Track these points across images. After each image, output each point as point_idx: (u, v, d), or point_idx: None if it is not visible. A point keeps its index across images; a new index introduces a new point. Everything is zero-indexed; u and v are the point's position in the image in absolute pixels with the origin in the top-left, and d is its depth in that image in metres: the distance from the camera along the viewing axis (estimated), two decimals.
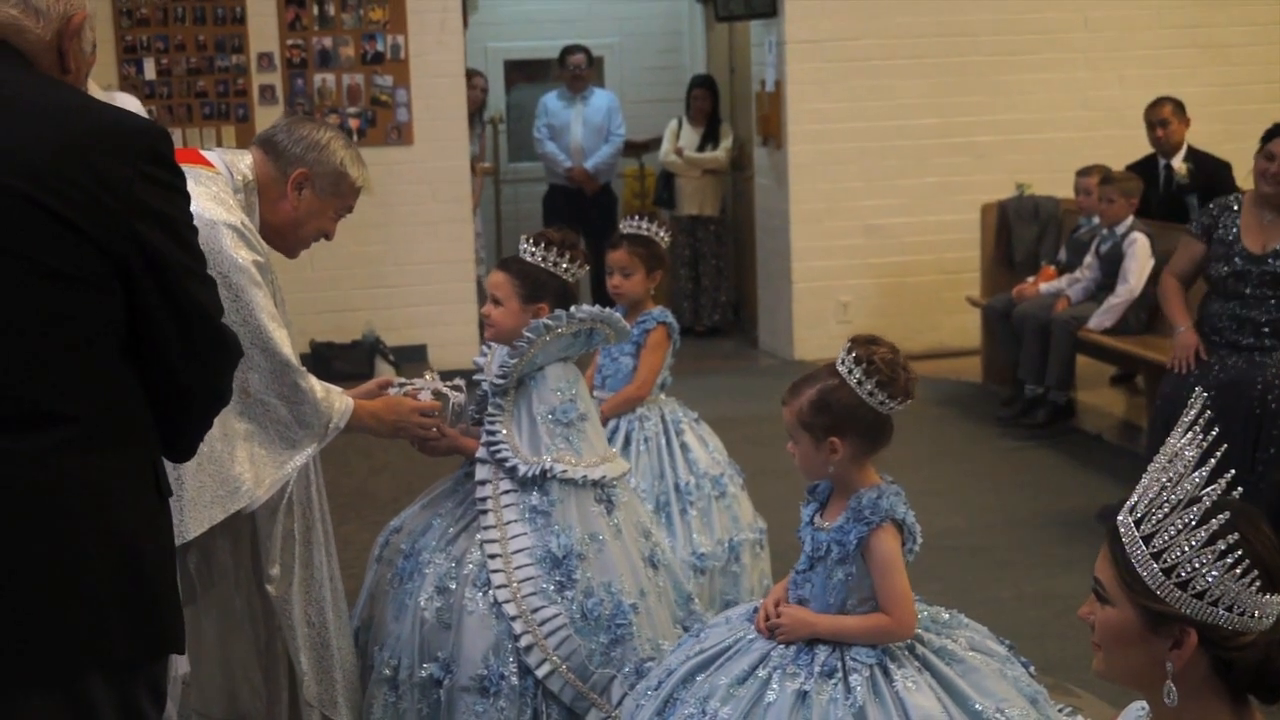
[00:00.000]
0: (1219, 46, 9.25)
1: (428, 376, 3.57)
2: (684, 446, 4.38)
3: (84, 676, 2.16)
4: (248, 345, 3.04)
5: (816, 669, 2.79)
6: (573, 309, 3.45)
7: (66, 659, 2.14)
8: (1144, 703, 1.96)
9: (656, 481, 4.26)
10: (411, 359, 8.69)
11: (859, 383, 2.85)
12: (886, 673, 2.78)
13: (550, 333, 3.40)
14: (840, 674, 2.78)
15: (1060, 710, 3.06)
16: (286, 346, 3.22)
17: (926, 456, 6.64)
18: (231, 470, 3.15)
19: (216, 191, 3.25)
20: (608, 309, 3.56)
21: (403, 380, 3.56)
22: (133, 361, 2.21)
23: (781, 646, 2.86)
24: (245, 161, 3.41)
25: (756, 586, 4.35)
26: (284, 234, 3.44)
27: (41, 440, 2.09)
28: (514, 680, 3.25)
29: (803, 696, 2.75)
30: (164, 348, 2.20)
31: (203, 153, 3.40)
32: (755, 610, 2.99)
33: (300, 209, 3.42)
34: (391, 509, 5.35)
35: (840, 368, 2.88)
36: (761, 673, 2.82)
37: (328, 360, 8.48)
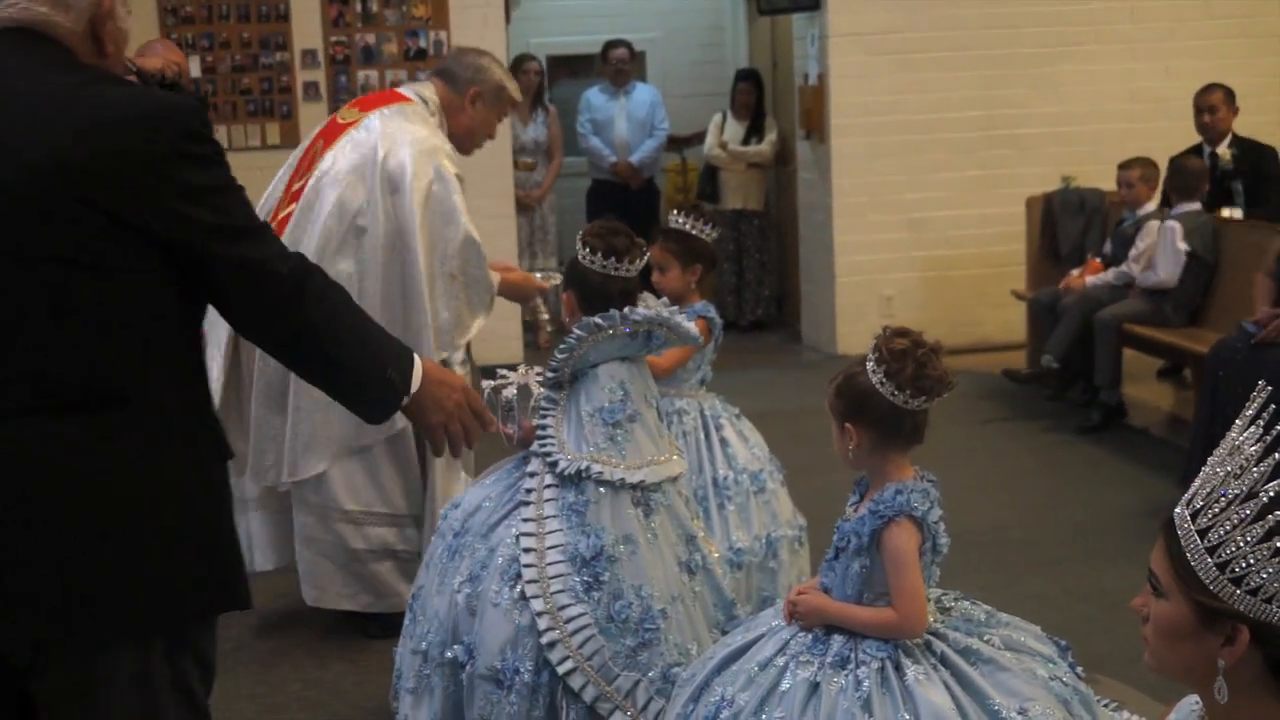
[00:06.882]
0: (1269, 36, 9.14)
1: (521, 370, 3.60)
2: (723, 441, 4.35)
3: (151, 638, 2.26)
4: (459, 239, 4.42)
5: (829, 659, 2.78)
6: (627, 311, 3.42)
7: (144, 615, 2.24)
8: (1198, 697, 1.93)
9: (694, 476, 4.23)
10: None
11: (873, 370, 2.83)
12: (898, 667, 2.76)
13: (601, 332, 3.38)
14: (852, 665, 2.76)
15: (1105, 705, 3.03)
16: (477, 233, 4.48)
17: (971, 451, 6.60)
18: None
19: (425, 117, 4.55)
20: (673, 314, 3.50)
21: (502, 372, 3.61)
22: (189, 335, 2.32)
23: (800, 634, 2.86)
24: (428, 90, 4.66)
25: (794, 583, 4.32)
26: (463, 141, 4.71)
27: (106, 422, 2.17)
28: (527, 676, 3.23)
29: (814, 687, 2.74)
30: (233, 301, 2.33)
31: (399, 90, 4.67)
32: None
33: (475, 119, 4.71)
34: None
35: (869, 354, 2.88)
36: (780, 660, 2.83)
37: None
